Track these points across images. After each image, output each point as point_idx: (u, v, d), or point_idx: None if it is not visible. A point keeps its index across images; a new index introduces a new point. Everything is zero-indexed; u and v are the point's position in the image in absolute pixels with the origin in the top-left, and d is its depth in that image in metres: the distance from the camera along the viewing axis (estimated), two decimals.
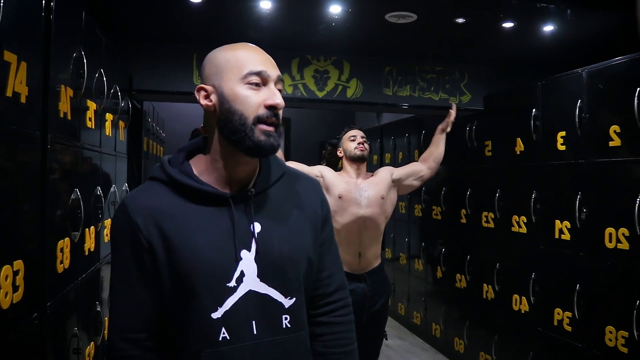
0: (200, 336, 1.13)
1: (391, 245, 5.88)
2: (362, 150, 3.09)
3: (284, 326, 1.20)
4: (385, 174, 3.19)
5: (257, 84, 1.16)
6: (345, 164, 3.15)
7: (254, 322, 1.16)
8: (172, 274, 1.14)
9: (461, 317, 4.38)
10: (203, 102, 1.20)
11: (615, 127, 2.81)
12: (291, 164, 3.10)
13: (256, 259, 1.18)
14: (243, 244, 1.17)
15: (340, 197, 3.00)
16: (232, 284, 1.15)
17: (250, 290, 1.16)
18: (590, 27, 3.22)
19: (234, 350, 1.14)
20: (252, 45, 1.23)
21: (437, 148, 3.58)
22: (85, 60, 2.10)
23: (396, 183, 3.20)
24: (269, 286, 1.19)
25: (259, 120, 1.15)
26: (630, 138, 2.73)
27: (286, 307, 1.20)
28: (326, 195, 3.04)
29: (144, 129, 4.10)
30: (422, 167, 3.41)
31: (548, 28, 3.20)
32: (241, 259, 1.16)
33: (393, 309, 5.75)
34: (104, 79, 2.45)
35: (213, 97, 1.18)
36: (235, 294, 1.15)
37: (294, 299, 1.22)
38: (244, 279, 1.16)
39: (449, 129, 3.67)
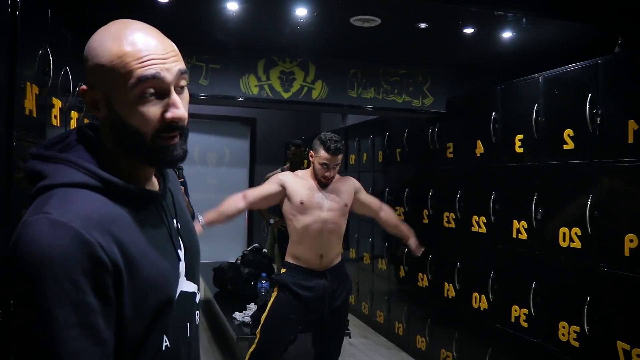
0: (150, 354, 0.98)
1: (355, 245, 5.96)
2: (326, 181, 3.10)
3: (197, 322, 1.13)
4: (350, 187, 3.23)
5: (153, 94, 0.94)
6: (313, 170, 3.15)
7: (188, 324, 1.07)
8: (136, 295, 0.93)
9: (423, 315, 4.48)
10: (91, 109, 0.98)
11: (569, 131, 2.94)
12: (251, 191, 3.11)
13: (185, 258, 1.07)
14: (176, 244, 1.06)
15: (301, 203, 3.04)
16: (177, 287, 1.03)
17: (182, 291, 1.04)
18: (546, 35, 3.35)
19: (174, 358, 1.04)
20: (140, 31, 0.95)
21: (393, 228, 3.53)
22: (51, 58, 2.09)
23: (355, 201, 3.25)
24: (192, 283, 1.10)
25: (158, 135, 0.96)
26: (583, 141, 2.86)
27: (197, 302, 1.13)
28: (287, 202, 3.07)
29: None
30: (377, 210, 3.39)
31: (507, 34, 3.31)
32: (180, 259, 1.05)
33: (357, 308, 5.83)
34: (70, 76, 2.45)
35: (102, 107, 0.96)
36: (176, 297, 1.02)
37: (200, 292, 1.15)
38: (179, 280, 1.04)
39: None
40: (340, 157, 3.08)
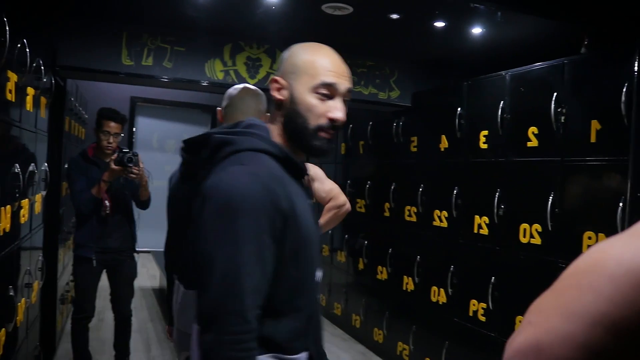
0: (309, 297, 1.28)
1: None
2: None
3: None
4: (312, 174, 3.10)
5: (325, 95, 1.26)
6: None
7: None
8: (294, 243, 1.20)
9: (381, 308, 4.49)
10: (274, 93, 1.30)
11: (533, 129, 2.97)
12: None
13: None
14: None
15: None
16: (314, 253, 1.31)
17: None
18: (514, 34, 3.38)
19: (320, 309, 1.36)
20: (331, 52, 1.31)
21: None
22: (7, 28, 1.97)
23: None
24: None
25: (319, 128, 1.26)
26: (547, 140, 2.90)
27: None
28: None
29: (67, 108, 3.91)
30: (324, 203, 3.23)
31: (476, 30, 3.33)
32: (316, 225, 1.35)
33: None
34: (27, 50, 2.32)
35: (284, 93, 1.28)
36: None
37: None
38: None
39: None
40: None
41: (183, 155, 1.37)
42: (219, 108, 2.11)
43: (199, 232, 1.16)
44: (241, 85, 2.13)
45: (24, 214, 2.52)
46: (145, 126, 8.75)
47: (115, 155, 3.26)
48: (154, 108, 8.71)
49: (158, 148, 8.82)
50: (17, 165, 2.31)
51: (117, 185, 3.39)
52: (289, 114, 1.28)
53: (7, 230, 2.20)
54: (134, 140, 8.60)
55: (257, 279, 1.12)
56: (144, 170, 3.35)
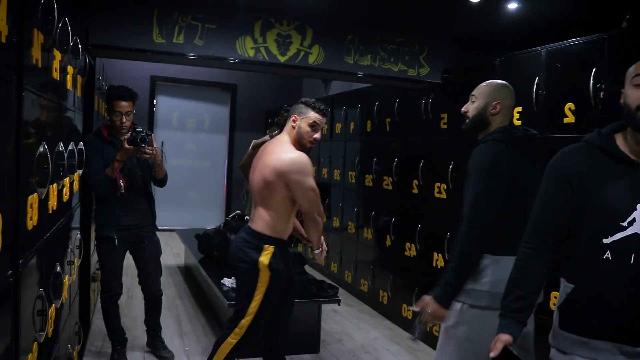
0: (589, 252, 1.72)
1: (339, 214, 5.95)
2: (312, 146, 2.86)
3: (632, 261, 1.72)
4: None
5: (637, 84, 1.66)
6: (295, 136, 2.83)
7: (633, 255, 1.66)
8: (581, 201, 1.74)
9: (409, 284, 4.51)
10: (622, 101, 1.73)
11: (570, 105, 2.94)
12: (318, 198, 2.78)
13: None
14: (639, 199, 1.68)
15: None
16: (624, 224, 1.67)
17: (635, 232, 1.66)
18: (551, 8, 3.32)
19: (613, 268, 1.69)
20: None
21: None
22: (55, 5, 1.97)
23: None
24: None
25: (638, 108, 1.65)
26: (584, 116, 2.86)
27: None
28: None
29: (96, 87, 3.91)
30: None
31: (512, 5, 3.27)
32: (636, 209, 1.67)
33: (340, 277, 5.85)
34: (69, 28, 2.32)
35: (623, 98, 1.73)
36: (625, 231, 1.67)
37: None
38: (634, 223, 1.67)
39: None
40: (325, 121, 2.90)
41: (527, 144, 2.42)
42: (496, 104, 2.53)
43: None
44: (500, 82, 2.59)
45: (66, 192, 2.54)
46: (165, 105, 8.76)
47: (129, 134, 3.27)
48: (173, 87, 8.71)
49: (178, 127, 8.84)
50: (60, 143, 2.32)
51: (130, 164, 3.41)
52: (624, 110, 1.72)
53: (55, 208, 2.23)
54: (154, 119, 8.63)
55: (549, 213, 1.81)
56: (157, 149, 3.36)
